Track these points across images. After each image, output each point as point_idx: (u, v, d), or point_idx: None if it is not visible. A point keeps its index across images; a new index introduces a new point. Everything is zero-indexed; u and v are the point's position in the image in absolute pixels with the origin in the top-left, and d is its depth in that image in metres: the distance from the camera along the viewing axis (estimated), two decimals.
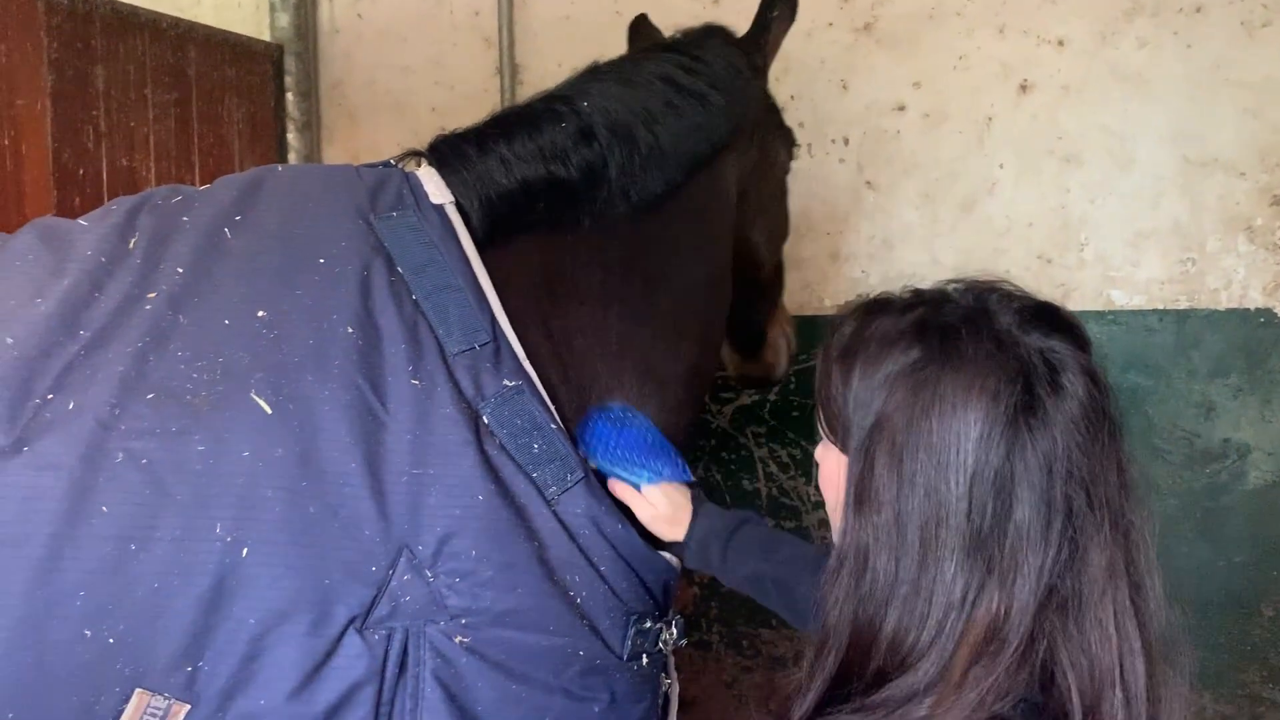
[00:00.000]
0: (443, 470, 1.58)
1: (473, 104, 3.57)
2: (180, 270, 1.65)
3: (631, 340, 1.94)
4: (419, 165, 1.93)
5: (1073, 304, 3.23)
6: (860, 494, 1.07)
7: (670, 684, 1.84)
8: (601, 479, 1.75)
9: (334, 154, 3.88)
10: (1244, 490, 3.13)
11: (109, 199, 2.85)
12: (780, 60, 2.53)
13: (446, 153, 1.91)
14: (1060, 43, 3.20)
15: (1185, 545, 3.16)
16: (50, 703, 1.43)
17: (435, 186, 1.85)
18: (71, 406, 1.50)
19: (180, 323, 1.60)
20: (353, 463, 1.54)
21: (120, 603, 1.44)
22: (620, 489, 1.77)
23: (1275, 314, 3.09)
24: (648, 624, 1.71)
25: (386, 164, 1.94)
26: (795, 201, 2.66)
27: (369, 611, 1.52)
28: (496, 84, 3.68)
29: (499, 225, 1.87)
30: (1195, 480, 3.16)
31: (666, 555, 1.78)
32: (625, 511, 1.74)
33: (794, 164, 2.59)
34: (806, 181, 2.67)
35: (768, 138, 2.42)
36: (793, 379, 3.05)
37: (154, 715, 1.44)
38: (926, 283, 1.18)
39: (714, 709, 3.56)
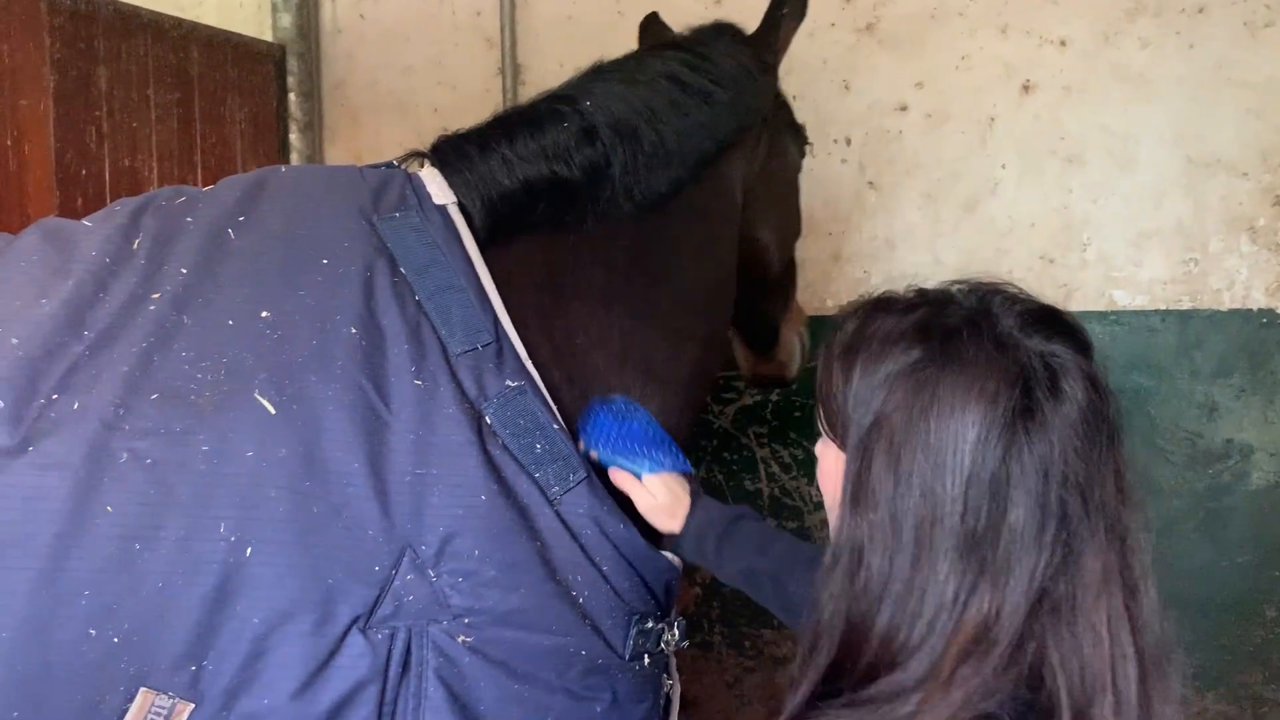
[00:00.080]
0: (446, 470, 1.58)
1: (475, 104, 3.57)
2: (184, 271, 1.66)
3: (634, 340, 1.95)
4: (422, 166, 1.93)
5: (1075, 304, 3.23)
6: (857, 491, 1.08)
7: (672, 685, 1.84)
8: (602, 473, 1.75)
9: (336, 154, 3.89)
10: (1246, 491, 3.13)
11: (111, 199, 2.86)
12: (783, 60, 2.53)
13: (449, 153, 1.91)
14: (1062, 43, 3.20)
15: (1188, 546, 3.16)
16: (55, 701, 1.43)
17: (438, 187, 1.85)
18: (76, 407, 1.51)
19: (184, 323, 1.61)
20: (356, 463, 1.54)
21: (125, 602, 1.45)
22: (621, 478, 1.77)
23: (1278, 314, 3.09)
24: (649, 624, 1.71)
25: (389, 165, 1.94)
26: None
27: (372, 611, 1.53)
28: (499, 84, 3.68)
29: (501, 225, 1.87)
30: (1198, 481, 3.16)
31: (668, 555, 1.78)
32: (627, 511, 1.74)
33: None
34: (808, 182, 2.66)
35: (778, 135, 2.41)
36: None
37: (158, 714, 1.45)
38: (929, 283, 1.18)
39: (716, 710, 3.57)
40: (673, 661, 1.84)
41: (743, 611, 3.53)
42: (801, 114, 2.61)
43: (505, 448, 1.63)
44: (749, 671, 3.57)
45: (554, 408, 1.71)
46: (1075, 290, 3.24)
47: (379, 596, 1.53)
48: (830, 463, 1.18)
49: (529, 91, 3.57)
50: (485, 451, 1.61)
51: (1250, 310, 3.11)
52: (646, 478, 1.76)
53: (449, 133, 1.96)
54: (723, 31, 2.28)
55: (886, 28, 3.34)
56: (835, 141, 3.36)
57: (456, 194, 1.85)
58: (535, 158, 1.89)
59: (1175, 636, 1.10)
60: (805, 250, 3.28)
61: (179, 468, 1.50)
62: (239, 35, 3.50)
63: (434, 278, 1.73)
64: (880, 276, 3.37)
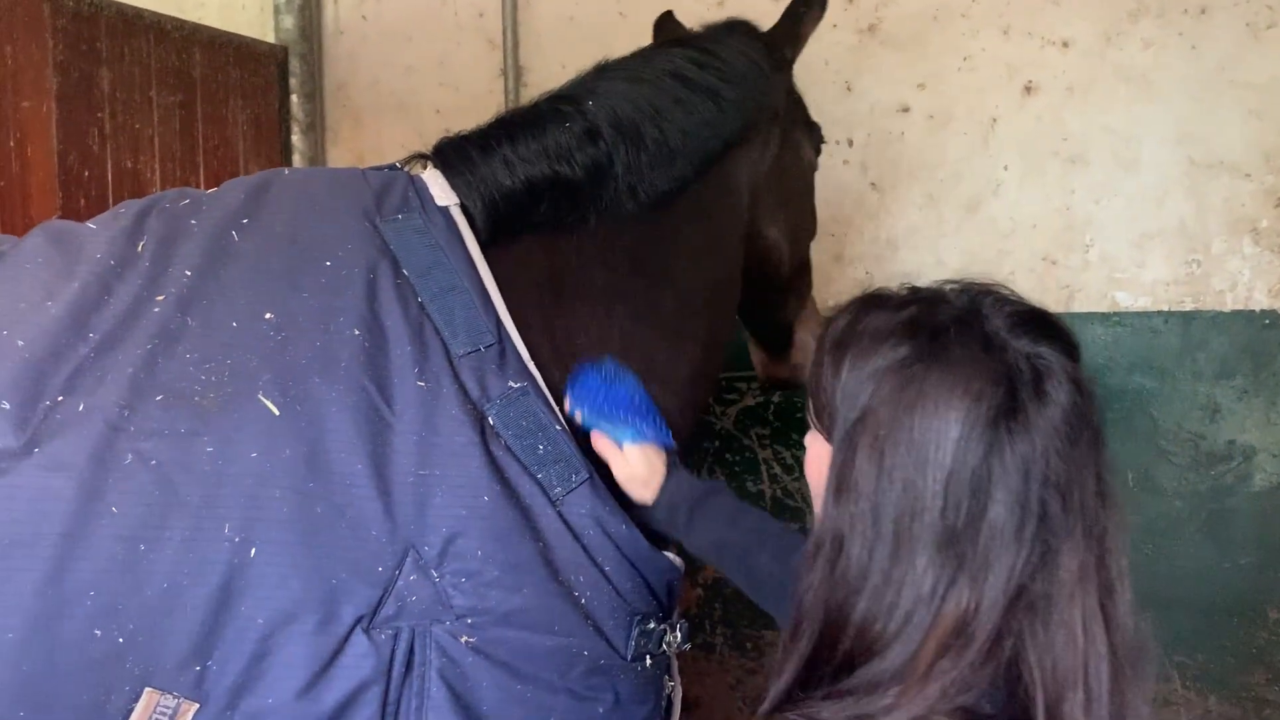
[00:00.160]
0: (448, 471, 1.59)
1: (477, 105, 3.58)
2: (188, 273, 1.66)
3: (634, 340, 1.95)
4: (424, 168, 1.94)
5: (1077, 305, 3.23)
6: (840, 483, 1.09)
7: (673, 687, 1.85)
8: (604, 474, 1.75)
9: (338, 155, 3.89)
10: (1249, 492, 3.12)
11: (114, 200, 2.87)
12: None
13: (451, 155, 1.91)
14: (1065, 44, 3.20)
15: (1190, 547, 3.16)
16: (61, 701, 1.44)
17: (440, 189, 1.86)
18: (82, 408, 1.52)
19: (189, 325, 1.61)
20: (359, 464, 1.54)
21: (130, 602, 1.45)
22: (601, 444, 1.78)
23: None
24: (651, 625, 1.72)
25: (392, 167, 1.95)
26: None
27: (375, 611, 1.53)
28: (501, 85, 3.69)
29: (503, 226, 1.87)
30: (1200, 482, 3.15)
31: (670, 555, 1.78)
32: (627, 508, 1.74)
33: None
34: None
35: (791, 133, 2.39)
36: None
37: (163, 714, 1.45)
38: (921, 281, 1.20)
39: (718, 711, 3.56)
40: (674, 663, 1.84)
41: (745, 613, 3.53)
42: None
43: (508, 449, 1.64)
44: (751, 673, 3.56)
45: (555, 408, 1.72)
46: (1077, 291, 3.24)
47: (382, 597, 1.53)
48: (817, 454, 1.20)
49: (531, 93, 3.57)
50: (488, 452, 1.61)
51: (1253, 311, 3.11)
52: (626, 446, 1.77)
53: (451, 134, 1.96)
54: (735, 28, 2.27)
55: (889, 29, 3.34)
56: (837, 143, 3.35)
57: (458, 195, 1.85)
58: (537, 158, 1.89)
59: (1151, 636, 1.10)
60: None
61: (183, 469, 1.50)
62: (241, 37, 3.51)
63: (437, 279, 1.73)
64: (882, 277, 3.37)
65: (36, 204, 2.71)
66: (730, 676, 3.60)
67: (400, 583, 1.54)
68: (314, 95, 3.81)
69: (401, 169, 1.94)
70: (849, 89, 3.36)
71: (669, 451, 1.82)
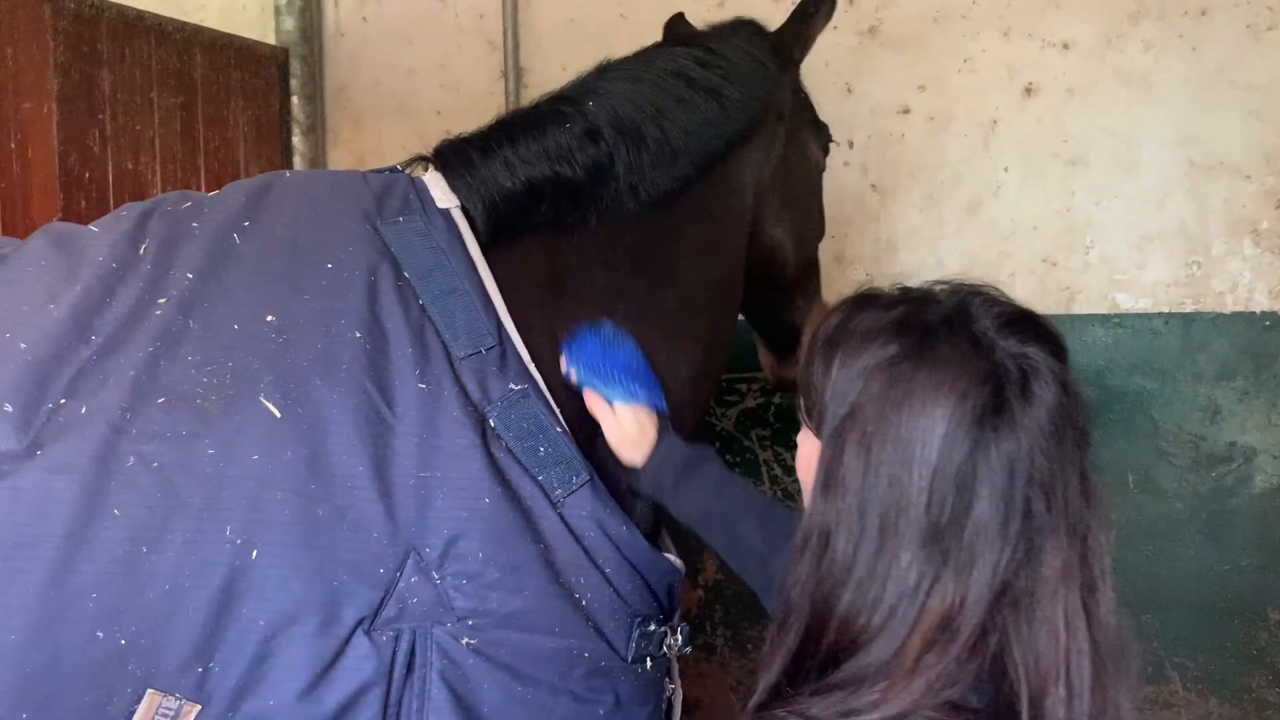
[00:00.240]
0: (450, 473, 1.59)
1: (478, 107, 3.58)
2: (190, 276, 1.66)
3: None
4: (425, 170, 1.94)
5: (1078, 307, 3.23)
6: (828, 478, 1.11)
7: (674, 690, 1.85)
8: (604, 476, 1.75)
9: (339, 157, 3.89)
10: (1250, 494, 3.12)
11: (114, 202, 2.87)
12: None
13: (451, 157, 1.91)
14: (1065, 46, 3.20)
15: (1191, 549, 3.16)
16: (63, 702, 1.44)
17: (441, 191, 1.86)
18: (84, 411, 1.52)
19: (190, 327, 1.61)
20: (360, 466, 1.55)
21: (132, 604, 1.45)
22: (593, 402, 1.80)
23: None
24: (652, 627, 1.72)
25: (393, 169, 1.95)
26: None
27: (377, 613, 1.53)
28: (501, 87, 3.69)
29: (504, 228, 1.88)
30: (1201, 484, 3.15)
31: (670, 557, 1.78)
32: (628, 512, 1.74)
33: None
34: None
35: (797, 133, 2.38)
36: None
37: (165, 715, 1.45)
38: (912, 281, 1.21)
39: (718, 712, 3.56)
40: (675, 666, 1.84)
41: (746, 614, 3.53)
42: None
43: (509, 450, 1.64)
44: (752, 674, 3.56)
45: (557, 410, 1.72)
46: (1078, 293, 3.25)
47: (383, 598, 1.54)
48: (808, 452, 1.21)
49: (532, 94, 3.56)
50: (489, 454, 1.61)
51: (1253, 313, 3.11)
52: (618, 406, 1.79)
53: (452, 136, 1.96)
54: (741, 28, 2.27)
55: (889, 30, 3.34)
56: (838, 144, 3.35)
57: (459, 197, 1.86)
58: (538, 159, 1.89)
59: (1133, 634, 1.12)
60: None
61: (185, 471, 1.50)
62: (242, 38, 3.51)
63: (437, 281, 1.73)
64: (883, 278, 3.34)
65: (37, 205, 2.71)
66: (731, 678, 3.60)
67: (401, 584, 1.54)
68: (315, 97, 3.81)
69: (402, 171, 1.94)
70: (849, 90, 3.36)
71: (661, 416, 1.84)
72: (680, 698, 1.87)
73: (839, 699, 1.04)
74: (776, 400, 3.45)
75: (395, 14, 3.81)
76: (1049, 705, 1.03)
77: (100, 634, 1.44)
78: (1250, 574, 3.13)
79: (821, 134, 2.50)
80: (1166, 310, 3.17)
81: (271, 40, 3.76)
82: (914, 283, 1.20)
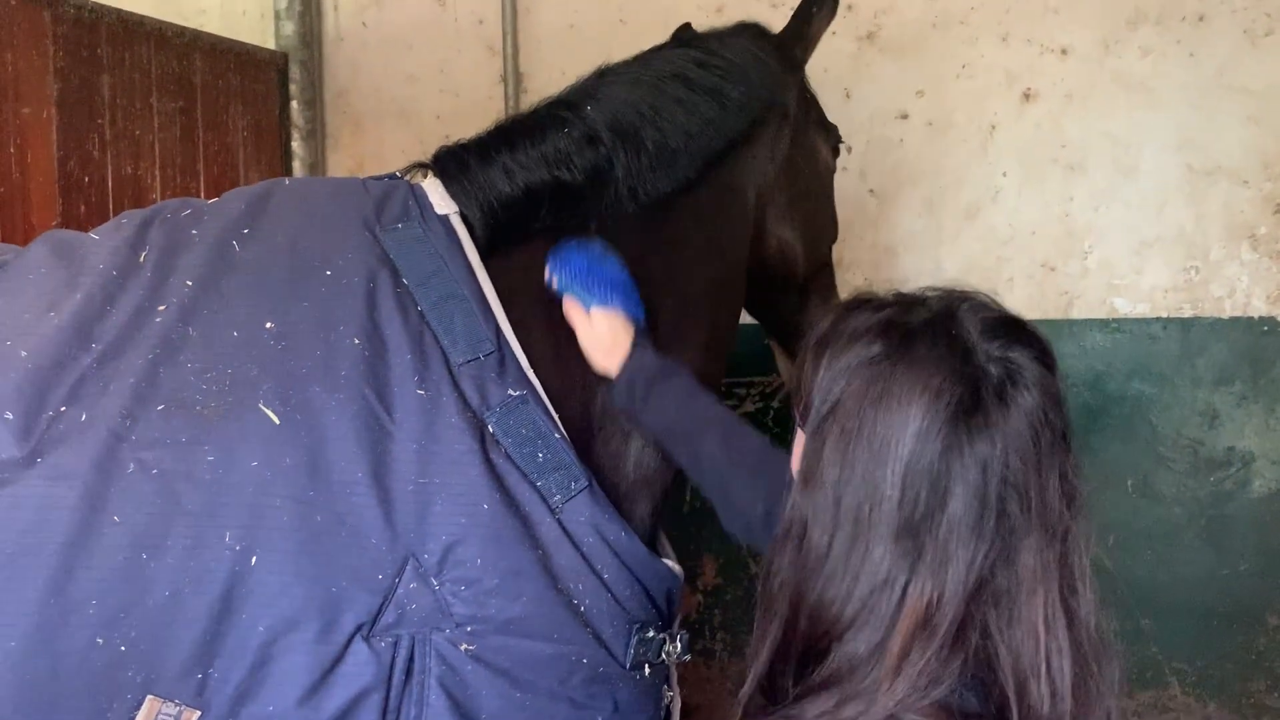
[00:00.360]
0: (448, 479, 1.59)
1: (477, 111, 3.59)
2: (190, 283, 1.67)
3: None
4: (424, 177, 1.94)
5: (1076, 312, 3.23)
6: (808, 471, 1.15)
7: (672, 697, 1.84)
8: (584, 451, 1.76)
9: (338, 161, 3.90)
10: (1248, 498, 3.13)
11: (114, 207, 2.87)
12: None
13: (450, 163, 1.92)
14: (1064, 51, 3.21)
15: (1189, 554, 3.16)
16: (63, 708, 1.44)
17: (439, 197, 1.86)
18: (84, 418, 1.52)
19: (190, 334, 1.62)
20: (359, 472, 1.55)
21: (132, 611, 1.46)
22: (570, 307, 1.83)
23: (1278, 322, 3.10)
24: (650, 633, 1.72)
25: (392, 176, 1.95)
26: None
27: (376, 619, 1.53)
28: (501, 92, 3.69)
29: (503, 233, 1.88)
30: (1200, 488, 3.16)
31: (669, 563, 1.78)
32: (627, 519, 1.74)
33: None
34: None
35: (804, 133, 2.37)
36: None
37: None
38: (915, 288, 1.24)
39: (717, 717, 3.56)
40: (674, 674, 1.84)
41: (745, 619, 3.53)
42: None
43: (508, 456, 1.64)
44: None
45: (555, 416, 1.72)
46: (1076, 298, 3.25)
47: (382, 605, 1.54)
48: (799, 447, 1.24)
49: (531, 99, 3.56)
50: (488, 460, 1.61)
51: (1251, 318, 3.12)
52: (593, 311, 1.81)
53: (451, 143, 1.97)
54: (744, 30, 2.27)
55: (888, 36, 3.34)
56: (849, 148, 3.36)
57: (458, 203, 1.86)
58: (536, 164, 1.89)
59: (1121, 637, 1.15)
60: None
61: (185, 478, 1.51)
62: (242, 43, 3.51)
63: (436, 288, 1.73)
64: (881, 283, 3.35)
65: (37, 210, 2.72)
66: (730, 683, 3.59)
67: (400, 590, 1.54)
68: (314, 102, 3.81)
69: (401, 178, 1.94)
70: (848, 96, 3.37)
71: (639, 328, 1.86)
72: (679, 706, 1.87)
73: (828, 698, 1.06)
74: (775, 405, 3.45)
75: (395, 19, 3.82)
76: (1031, 704, 1.05)
77: (100, 640, 1.44)
78: (1249, 579, 3.13)
79: (831, 135, 2.49)
80: (1165, 315, 3.18)
81: (271, 45, 3.76)
82: (910, 288, 1.22)
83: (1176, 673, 3.18)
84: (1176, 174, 3.15)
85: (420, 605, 1.55)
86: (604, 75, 2.07)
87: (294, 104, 3.73)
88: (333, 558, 1.52)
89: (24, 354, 1.55)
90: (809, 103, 2.43)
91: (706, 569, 3.60)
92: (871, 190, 3.39)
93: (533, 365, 1.74)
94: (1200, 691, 3.18)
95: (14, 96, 2.67)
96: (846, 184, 3.37)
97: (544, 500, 1.65)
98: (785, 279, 2.37)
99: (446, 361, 1.67)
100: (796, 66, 2.36)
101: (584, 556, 1.65)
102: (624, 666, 1.68)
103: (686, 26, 2.58)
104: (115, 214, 2.36)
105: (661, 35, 2.64)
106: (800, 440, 1.23)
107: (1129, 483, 3.19)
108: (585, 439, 1.81)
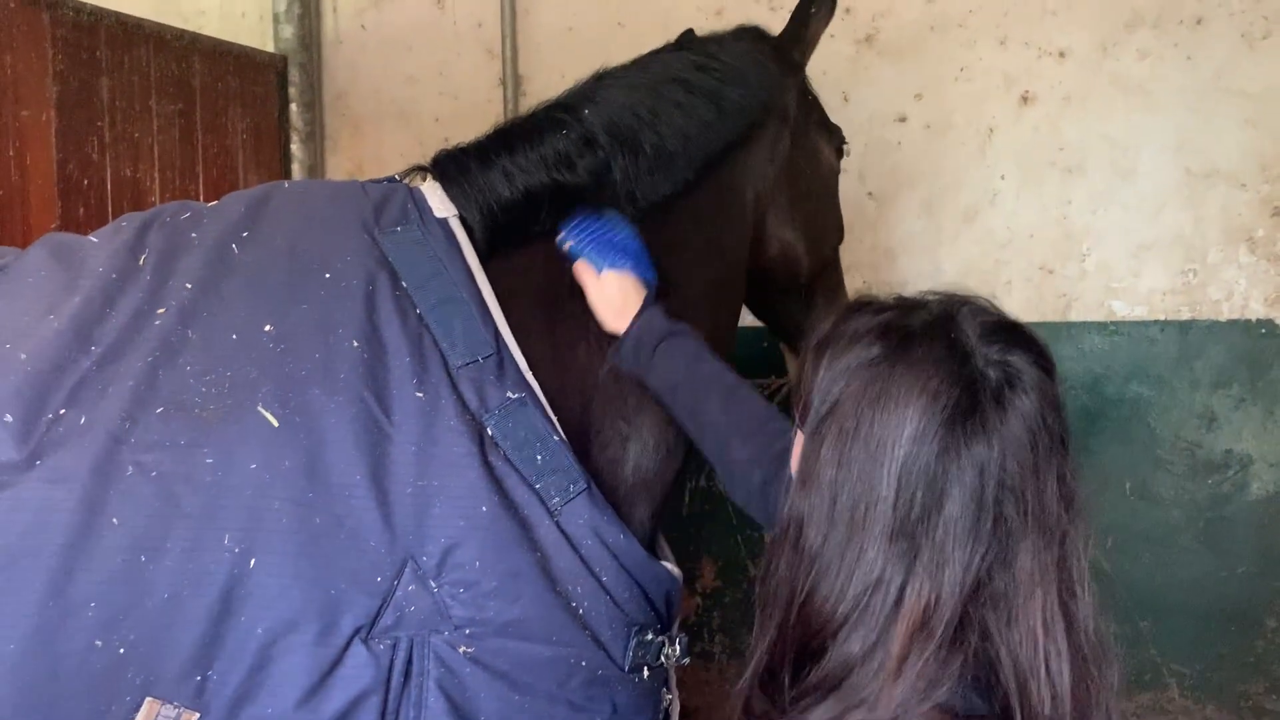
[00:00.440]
0: (447, 482, 1.59)
1: (476, 114, 3.59)
2: (189, 286, 1.67)
3: None
4: (423, 180, 1.94)
5: (1074, 314, 3.24)
6: (805, 471, 1.15)
7: (671, 700, 1.84)
8: (582, 453, 1.76)
9: (338, 164, 3.90)
10: (1247, 501, 3.13)
11: (113, 209, 2.87)
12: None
13: (449, 167, 1.92)
14: (1061, 54, 3.21)
15: (1188, 556, 3.16)
16: (62, 711, 1.44)
17: (438, 200, 1.86)
18: (84, 421, 1.52)
19: (189, 337, 1.62)
20: (358, 474, 1.55)
21: (131, 613, 1.46)
22: (581, 270, 1.86)
23: (1276, 325, 3.10)
24: (649, 636, 1.72)
25: (391, 179, 1.95)
26: None
27: (374, 621, 1.53)
28: (500, 94, 3.70)
29: (502, 236, 1.88)
30: (1198, 491, 3.16)
31: (668, 565, 1.78)
32: (626, 521, 1.74)
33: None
34: None
35: (805, 134, 2.38)
36: None
37: None
38: (917, 292, 1.24)
39: (717, 719, 3.56)
40: (672, 677, 1.84)
41: (744, 621, 3.53)
42: None
43: (506, 459, 1.64)
44: None
45: (554, 419, 1.72)
46: (1075, 300, 3.25)
47: (381, 607, 1.54)
48: (798, 447, 1.24)
49: (530, 102, 3.56)
50: (486, 463, 1.62)
51: (1249, 320, 3.12)
52: (604, 272, 1.83)
53: (450, 146, 1.97)
54: (743, 34, 2.28)
55: (886, 39, 3.35)
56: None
57: (457, 206, 1.86)
58: (535, 167, 1.90)
59: (1119, 640, 1.15)
60: None
61: (184, 480, 1.51)
62: (241, 46, 3.52)
63: (435, 290, 1.74)
64: (880, 286, 3.38)
65: (36, 212, 2.72)
66: (728, 685, 3.59)
67: (399, 593, 1.54)
68: (313, 104, 3.82)
69: (400, 181, 1.94)
70: (846, 99, 3.37)
71: (649, 290, 1.88)
72: (678, 708, 1.87)
73: (831, 709, 1.07)
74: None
75: (394, 21, 3.82)
76: (1033, 705, 1.05)
77: (99, 643, 1.44)
78: (1247, 581, 3.13)
79: (834, 136, 2.49)
80: (1163, 318, 3.18)
81: (270, 48, 3.77)
82: (909, 290, 1.22)
83: (1175, 675, 3.19)
84: (1174, 177, 3.15)
85: (419, 608, 1.55)
86: (602, 79, 2.07)
87: (293, 106, 3.74)
88: (331, 560, 1.52)
89: (23, 357, 1.55)
90: (811, 104, 2.43)
91: (705, 571, 3.60)
92: (870, 193, 3.39)
93: (531, 368, 1.74)
94: (1198, 693, 3.18)
95: (13, 99, 2.67)
96: (845, 186, 3.35)
97: (543, 503, 1.65)
98: (789, 280, 2.37)
99: (445, 364, 1.67)
100: (796, 68, 2.36)
101: (583, 559, 1.65)
102: (623, 669, 1.68)
103: (690, 32, 2.58)
104: (114, 216, 2.36)
105: (660, 37, 2.64)
106: (799, 441, 1.24)
107: (1127, 485, 3.20)
108: (584, 442, 1.81)
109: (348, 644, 1.52)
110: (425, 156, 1.98)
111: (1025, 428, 1.08)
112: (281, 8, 3.77)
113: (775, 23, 2.44)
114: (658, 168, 1.98)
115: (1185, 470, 3.17)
